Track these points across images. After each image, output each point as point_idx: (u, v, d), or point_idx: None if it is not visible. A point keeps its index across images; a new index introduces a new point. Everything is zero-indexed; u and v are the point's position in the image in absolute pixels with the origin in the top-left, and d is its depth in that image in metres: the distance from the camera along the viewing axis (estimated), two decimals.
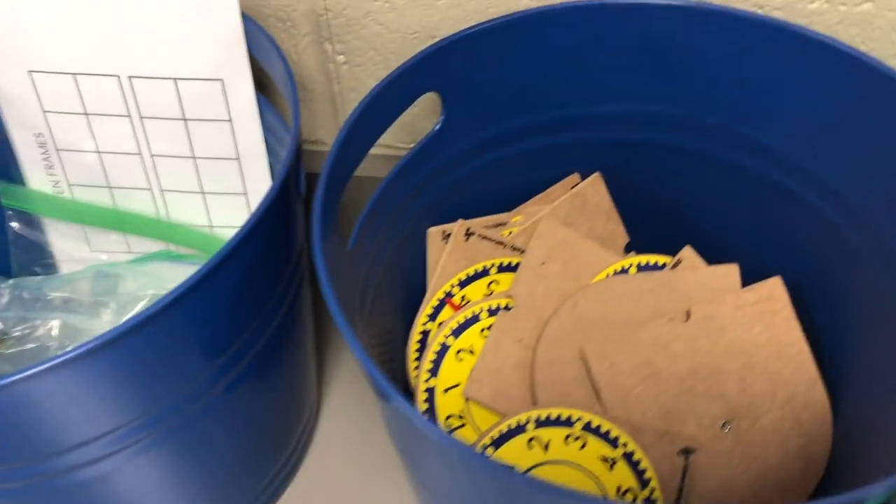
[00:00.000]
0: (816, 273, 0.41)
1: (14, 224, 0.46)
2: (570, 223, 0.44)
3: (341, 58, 0.45)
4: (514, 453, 0.39)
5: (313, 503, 0.46)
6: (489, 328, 0.42)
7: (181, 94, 0.40)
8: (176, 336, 0.32)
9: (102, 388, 0.32)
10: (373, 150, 0.49)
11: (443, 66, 0.36)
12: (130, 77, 0.40)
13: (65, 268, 0.48)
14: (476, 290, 0.43)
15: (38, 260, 0.47)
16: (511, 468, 0.23)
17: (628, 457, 0.38)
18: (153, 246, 0.47)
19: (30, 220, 0.46)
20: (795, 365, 0.40)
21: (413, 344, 0.42)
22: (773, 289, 0.41)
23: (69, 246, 0.47)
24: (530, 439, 0.39)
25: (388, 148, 0.49)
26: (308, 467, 0.47)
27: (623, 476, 0.38)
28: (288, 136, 0.38)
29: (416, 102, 0.47)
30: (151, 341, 0.31)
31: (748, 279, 0.41)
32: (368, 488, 0.46)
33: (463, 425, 0.41)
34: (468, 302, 0.43)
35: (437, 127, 0.38)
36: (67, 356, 0.29)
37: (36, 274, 0.46)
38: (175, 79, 0.40)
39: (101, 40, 0.39)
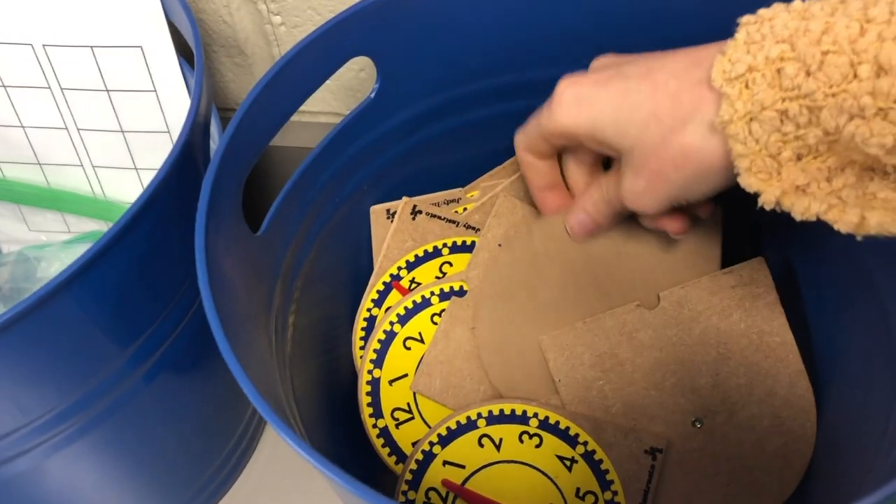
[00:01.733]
0: (804, 254, 0.36)
1: None
2: None
3: (277, 18, 0.41)
4: (464, 452, 0.36)
5: (260, 502, 0.43)
6: (440, 314, 0.38)
7: (100, 64, 0.37)
8: (74, 322, 0.30)
9: (0, 381, 0.29)
10: (318, 119, 0.46)
11: (373, 26, 0.33)
12: (45, 45, 0.37)
13: (5, 249, 0.46)
14: (427, 272, 0.39)
15: None
16: None
17: (589, 456, 0.35)
18: (93, 226, 0.44)
19: None
20: (777, 357, 0.36)
21: (358, 331, 0.39)
22: (755, 271, 0.37)
23: (7, 226, 0.45)
24: (481, 437, 0.36)
25: (336, 116, 0.45)
26: (256, 463, 0.45)
27: (583, 477, 0.35)
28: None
29: (362, 66, 0.43)
30: (44, 330, 0.29)
31: (727, 261, 0.37)
32: (321, 485, 0.44)
33: (411, 419, 0.38)
34: (418, 285, 0.39)
35: (372, 95, 0.35)
36: None
37: None
38: (91, 47, 0.37)
39: (9, 6, 0.36)
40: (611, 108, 0.28)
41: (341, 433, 0.37)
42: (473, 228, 0.40)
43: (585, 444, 0.35)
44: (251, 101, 0.29)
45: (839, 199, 0.23)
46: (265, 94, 0.29)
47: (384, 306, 0.39)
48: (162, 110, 0.38)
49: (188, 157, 0.30)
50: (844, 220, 0.23)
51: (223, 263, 0.26)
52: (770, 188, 0.24)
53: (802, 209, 0.24)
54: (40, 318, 0.28)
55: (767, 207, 0.24)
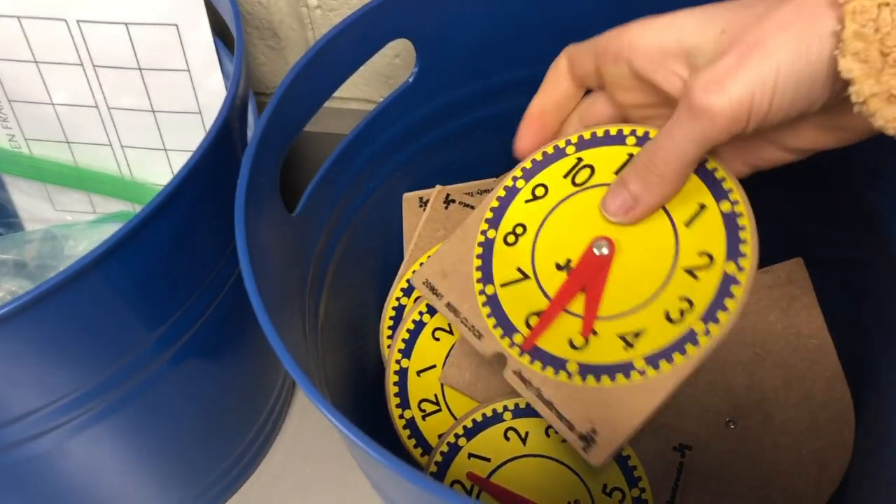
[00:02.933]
0: (844, 256, 0.35)
1: None
2: None
3: (314, 1, 0.41)
4: (489, 445, 0.35)
5: (281, 489, 0.43)
6: None
7: (134, 41, 0.37)
8: (102, 302, 0.29)
9: (26, 359, 0.29)
10: (349, 105, 0.46)
11: (415, 8, 0.32)
12: (79, 21, 0.37)
13: (30, 228, 0.45)
14: None
15: (1, 219, 0.44)
16: (461, 496, 0.19)
17: None
18: (119, 206, 0.44)
19: None
20: (815, 359, 0.35)
21: (386, 320, 0.39)
22: (793, 271, 0.36)
23: (32, 205, 0.44)
24: (507, 430, 0.35)
25: (368, 103, 0.45)
26: (278, 449, 0.44)
27: (610, 473, 0.34)
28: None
29: (397, 52, 0.43)
30: (72, 308, 0.28)
31: (764, 261, 0.36)
32: (343, 473, 0.43)
33: (438, 411, 0.37)
34: None
35: (411, 79, 0.34)
36: None
37: None
38: (126, 23, 0.36)
39: None
40: (696, 15, 0.26)
41: (367, 423, 0.36)
42: None
43: None
44: (291, 79, 0.28)
45: None
46: (306, 73, 0.29)
47: (413, 296, 0.38)
48: (194, 91, 0.38)
49: (225, 139, 0.30)
50: None
51: (262, 243, 0.25)
52: (867, 82, 0.22)
53: (890, 117, 0.22)
54: (68, 297, 0.27)
55: (855, 100, 0.22)
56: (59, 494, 0.36)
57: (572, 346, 0.29)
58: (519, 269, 0.31)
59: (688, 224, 0.28)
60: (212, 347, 0.35)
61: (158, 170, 0.41)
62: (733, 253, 0.27)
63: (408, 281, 0.38)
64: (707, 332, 0.27)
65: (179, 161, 0.41)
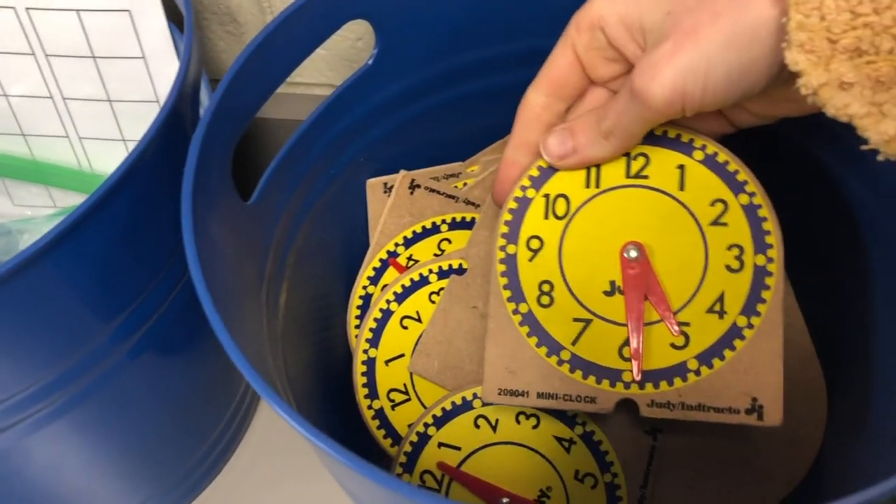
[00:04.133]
0: (814, 230, 0.35)
1: None
2: None
3: None
4: (459, 433, 0.35)
5: (251, 484, 0.42)
6: (439, 293, 0.37)
7: (87, 28, 0.36)
8: (54, 292, 0.28)
9: None
10: (312, 90, 0.45)
11: None
12: (28, 8, 0.35)
13: None
14: (424, 249, 0.38)
15: None
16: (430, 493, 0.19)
17: (587, 437, 0.34)
18: (79, 199, 0.42)
19: None
20: (786, 338, 0.34)
21: (353, 309, 0.38)
22: None
23: None
24: (477, 417, 0.35)
25: (332, 88, 0.44)
26: (247, 444, 0.43)
27: (582, 459, 0.34)
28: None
29: (359, 35, 0.42)
30: (22, 300, 0.27)
31: None
32: (312, 472, 0.42)
33: (407, 400, 0.37)
34: (415, 262, 0.38)
35: (370, 62, 0.33)
36: None
37: None
38: (77, 10, 0.35)
39: None
40: None
41: (336, 415, 0.36)
42: (473, 204, 0.38)
43: (584, 424, 0.34)
44: (244, 60, 0.27)
45: (878, 110, 0.22)
46: (259, 54, 0.28)
47: (380, 284, 0.38)
48: (151, 78, 0.37)
49: (175, 125, 0.29)
50: (878, 130, 0.21)
51: (212, 232, 0.25)
52: (816, 72, 0.21)
53: (840, 105, 0.21)
54: (14, 289, 0.27)
55: (805, 92, 0.22)
56: (20, 493, 0.35)
57: (677, 347, 0.29)
58: (576, 320, 0.30)
59: (712, 223, 0.29)
60: (173, 339, 0.34)
61: (118, 161, 0.40)
62: (760, 245, 0.29)
63: (374, 268, 0.38)
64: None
65: None
